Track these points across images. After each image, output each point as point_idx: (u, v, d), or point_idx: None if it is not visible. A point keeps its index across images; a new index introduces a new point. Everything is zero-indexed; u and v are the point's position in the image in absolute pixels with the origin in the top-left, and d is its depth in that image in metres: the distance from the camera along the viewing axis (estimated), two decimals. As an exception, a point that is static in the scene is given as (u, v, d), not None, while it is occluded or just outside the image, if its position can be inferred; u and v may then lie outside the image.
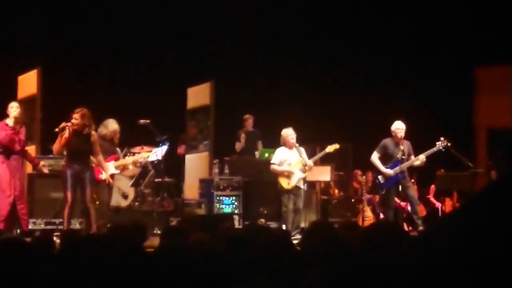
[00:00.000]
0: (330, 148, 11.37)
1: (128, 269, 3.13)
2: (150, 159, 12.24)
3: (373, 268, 2.81)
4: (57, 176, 10.22)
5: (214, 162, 12.73)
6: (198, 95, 13.16)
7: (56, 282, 3.49)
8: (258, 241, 4.06)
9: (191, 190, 12.91)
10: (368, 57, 15.32)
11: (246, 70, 15.29)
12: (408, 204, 11.55)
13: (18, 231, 10.06)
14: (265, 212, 12.16)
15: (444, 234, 1.38)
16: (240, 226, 11.07)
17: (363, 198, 13.07)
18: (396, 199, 11.54)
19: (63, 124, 9.24)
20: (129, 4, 15.01)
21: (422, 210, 12.79)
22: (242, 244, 4.15)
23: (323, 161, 12.71)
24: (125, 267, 3.16)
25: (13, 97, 12.27)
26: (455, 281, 1.30)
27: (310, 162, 10.99)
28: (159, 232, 9.52)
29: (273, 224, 11.18)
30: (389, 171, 10.78)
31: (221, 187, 12.11)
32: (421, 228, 10.47)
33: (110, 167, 10.26)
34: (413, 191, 11.24)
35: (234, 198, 12.12)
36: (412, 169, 11.48)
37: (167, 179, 13.02)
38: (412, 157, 10.86)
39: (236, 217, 11.68)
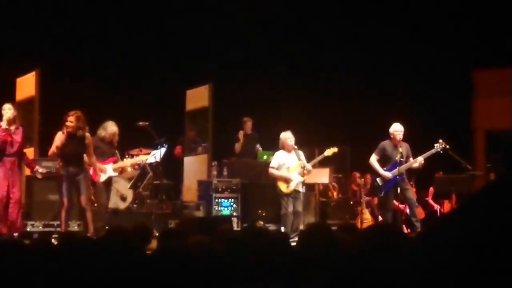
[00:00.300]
0: (329, 152, 11.36)
1: (126, 271, 3.13)
2: (148, 161, 12.24)
3: (371, 270, 2.81)
4: (56, 179, 10.21)
5: (213, 164, 12.74)
6: (197, 98, 13.17)
7: (54, 283, 3.49)
8: (257, 243, 4.06)
9: (189, 192, 12.91)
10: (366, 59, 15.33)
11: (245, 72, 15.30)
12: (407, 206, 11.54)
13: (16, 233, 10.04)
14: (264, 214, 12.16)
15: (442, 235, 1.38)
16: (239, 229, 11.07)
17: (361, 200, 13.08)
18: (395, 201, 11.54)
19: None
20: (128, 6, 15.01)
21: (420, 213, 12.79)
22: (240, 246, 4.14)
23: (322, 163, 12.70)
24: (123, 269, 3.16)
25: (12, 99, 12.28)
26: (454, 282, 1.29)
27: (309, 166, 10.97)
28: (157, 234, 9.51)
29: (271, 227, 11.18)
30: (387, 174, 10.78)
31: (219, 189, 12.11)
32: (419, 230, 10.46)
33: (108, 169, 10.26)
34: (412, 193, 11.23)
35: (232, 200, 12.11)
36: (411, 172, 11.48)
37: (165, 181, 13.02)
38: (411, 159, 10.86)
39: (234, 219, 11.68)
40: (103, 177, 10.14)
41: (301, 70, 15.68)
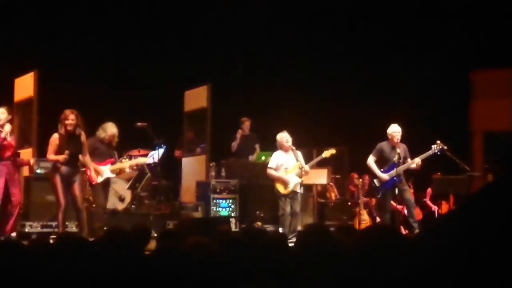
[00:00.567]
0: (327, 153, 11.35)
1: (125, 271, 3.14)
2: (147, 162, 12.24)
3: (369, 271, 2.81)
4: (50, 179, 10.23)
5: (211, 165, 12.74)
6: (195, 98, 13.17)
7: (52, 284, 3.49)
8: (255, 244, 4.07)
9: (188, 193, 12.92)
10: (364, 60, 15.34)
11: (243, 73, 15.31)
12: (405, 207, 11.55)
13: (14, 234, 10.05)
14: (262, 215, 12.16)
15: (441, 236, 1.39)
16: (237, 229, 11.08)
17: (359, 201, 13.09)
18: (393, 203, 11.54)
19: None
20: (126, 8, 15.01)
21: (418, 214, 12.81)
22: (238, 247, 4.15)
23: (320, 164, 12.72)
24: (122, 270, 3.17)
25: (10, 100, 12.29)
26: (452, 283, 1.30)
27: (306, 167, 10.96)
28: (155, 235, 9.51)
29: (269, 227, 11.18)
30: (384, 176, 10.78)
31: (217, 190, 12.11)
32: (417, 231, 10.47)
33: (106, 171, 10.26)
34: (410, 195, 11.24)
35: (231, 201, 12.12)
36: (408, 173, 11.49)
37: (164, 182, 13.02)
38: (409, 160, 10.86)
39: (232, 220, 11.68)
40: (100, 178, 10.13)
41: (300, 71, 15.68)
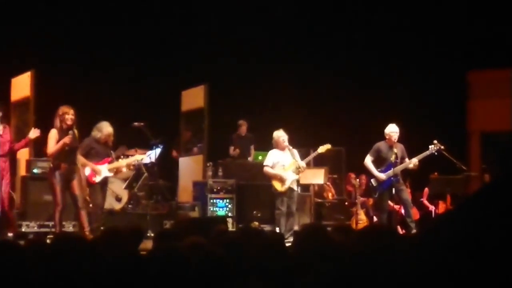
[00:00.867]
0: (322, 149, 11.32)
1: (122, 271, 3.13)
2: (144, 162, 12.23)
3: (366, 271, 2.81)
4: (48, 178, 10.21)
5: (208, 165, 12.74)
6: (193, 98, 13.17)
7: (49, 284, 3.49)
8: (252, 244, 4.06)
9: (185, 193, 12.92)
10: (361, 60, 15.34)
11: (240, 73, 15.31)
12: (402, 207, 11.55)
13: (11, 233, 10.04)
14: (259, 215, 12.16)
15: (438, 236, 1.39)
16: (234, 229, 11.06)
17: (356, 201, 13.09)
18: (390, 202, 11.54)
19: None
20: (123, 7, 15.00)
21: (415, 213, 12.80)
22: (235, 247, 4.15)
23: (317, 164, 12.72)
24: (119, 270, 3.17)
25: (6, 100, 12.27)
26: (449, 283, 1.30)
27: (303, 164, 10.97)
28: (152, 235, 9.51)
29: (266, 227, 11.17)
30: (381, 175, 10.77)
31: (215, 190, 12.11)
32: (414, 231, 10.47)
33: (103, 170, 10.24)
34: (407, 194, 11.23)
35: (228, 201, 12.12)
36: (406, 173, 11.48)
37: (161, 182, 13.01)
38: (406, 160, 10.86)
39: (229, 220, 11.67)
40: (98, 178, 10.12)
41: (297, 70, 15.68)
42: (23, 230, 10.41)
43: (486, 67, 15.12)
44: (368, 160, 10.95)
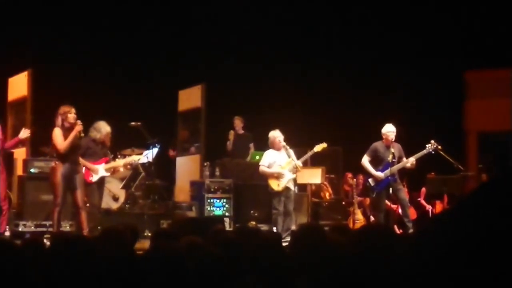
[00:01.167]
0: (318, 148, 11.34)
1: (119, 271, 3.13)
2: (141, 162, 12.22)
3: (363, 271, 2.81)
4: (47, 179, 10.18)
5: (205, 164, 12.73)
6: (190, 98, 13.17)
7: (46, 284, 3.48)
8: (249, 244, 4.06)
9: (182, 192, 12.91)
10: (359, 60, 15.35)
11: (237, 73, 15.30)
12: (399, 207, 11.56)
13: (8, 233, 10.03)
14: (256, 214, 12.16)
15: (435, 235, 1.39)
16: (231, 229, 11.07)
17: (354, 201, 13.10)
18: (387, 202, 11.55)
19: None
20: (120, 7, 14.99)
21: (413, 213, 12.82)
22: (232, 246, 4.15)
23: (314, 163, 12.72)
24: (116, 269, 3.16)
25: (3, 99, 12.27)
26: (447, 282, 1.30)
27: (299, 163, 10.99)
28: (149, 234, 9.50)
29: (264, 227, 11.17)
30: (379, 175, 10.78)
31: (212, 190, 12.11)
32: (411, 231, 10.48)
33: (100, 170, 10.23)
34: (404, 194, 11.24)
35: (225, 200, 12.12)
36: (403, 172, 11.49)
37: (158, 182, 13.00)
38: (403, 159, 10.87)
39: (227, 220, 11.68)
40: (95, 177, 10.11)
41: (294, 70, 15.69)
42: (20, 229, 10.39)
43: (483, 67, 15.13)
44: (365, 160, 10.96)
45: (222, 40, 15.46)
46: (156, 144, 12.21)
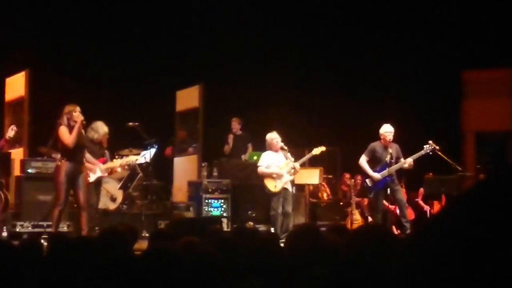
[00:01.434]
0: (317, 151, 11.36)
1: (117, 272, 3.12)
2: (138, 162, 12.21)
3: (361, 272, 2.81)
4: (45, 179, 10.15)
5: (203, 165, 12.73)
6: (187, 98, 13.16)
7: (43, 285, 3.48)
8: (247, 244, 4.06)
9: (179, 193, 12.91)
10: (356, 60, 15.35)
11: (235, 73, 15.30)
12: (397, 207, 11.56)
13: (5, 234, 10.01)
14: (254, 215, 12.16)
15: (432, 236, 1.38)
16: (229, 229, 11.06)
17: (351, 201, 13.09)
18: (385, 202, 11.55)
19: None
20: (118, 7, 14.98)
21: (410, 213, 12.81)
22: (230, 247, 4.14)
23: (312, 164, 12.72)
24: (114, 270, 3.15)
25: (1, 100, 12.26)
26: (444, 283, 1.30)
27: (297, 165, 11.01)
28: (147, 235, 9.50)
29: (261, 227, 11.17)
30: (377, 175, 10.78)
31: (209, 190, 12.10)
32: (409, 231, 10.48)
33: (97, 170, 10.22)
34: (402, 194, 11.25)
35: (222, 201, 12.11)
36: (400, 173, 11.49)
37: (155, 182, 12.99)
38: (401, 160, 10.86)
39: (224, 220, 11.66)
40: (92, 178, 10.10)
41: (292, 70, 15.69)
42: (17, 230, 10.37)
43: (481, 67, 15.14)
44: (363, 160, 10.96)
45: (220, 41, 15.45)
46: (154, 145, 12.20)
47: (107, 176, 10.91)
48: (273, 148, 11.09)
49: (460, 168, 11.68)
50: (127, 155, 12.32)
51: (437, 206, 13.13)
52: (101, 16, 14.83)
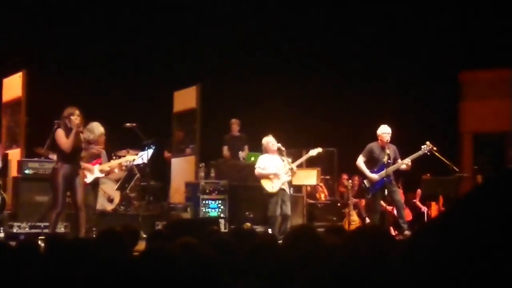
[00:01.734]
0: (313, 152, 11.39)
1: (115, 273, 3.11)
2: (136, 163, 12.20)
3: (358, 273, 2.80)
4: (42, 180, 10.13)
5: (200, 165, 12.72)
6: (185, 99, 13.16)
7: (41, 286, 3.47)
8: (244, 245, 4.05)
9: (177, 193, 12.89)
10: (354, 62, 15.36)
11: (232, 74, 15.30)
12: (394, 208, 11.56)
13: (2, 234, 10.00)
14: (251, 216, 12.15)
15: (431, 239, 1.38)
16: (226, 230, 11.05)
17: (349, 202, 13.09)
18: (383, 203, 11.55)
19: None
20: (115, 8, 14.97)
21: (408, 214, 12.82)
22: (228, 248, 4.14)
23: (310, 165, 12.72)
24: (112, 271, 3.15)
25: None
26: (442, 284, 1.29)
27: (293, 166, 11.02)
28: (144, 236, 9.48)
29: (259, 228, 11.16)
30: (374, 176, 10.78)
31: (207, 191, 12.09)
32: (407, 232, 10.48)
33: (95, 171, 10.21)
34: (399, 195, 11.25)
35: (220, 202, 12.10)
36: (398, 174, 11.49)
37: (153, 183, 12.98)
38: (399, 161, 10.87)
39: (222, 221, 11.66)
40: (90, 178, 10.08)
41: (290, 72, 15.69)
42: (14, 231, 10.35)
43: (478, 68, 15.16)
44: (361, 161, 10.96)
45: (218, 41, 15.45)
46: (152, 145, 12.19)
47: (104, 176, 10.89)
48: (269, 151, 11.12)
49: (457, 169, 11.69)
50: (124, 156, 12.31)
51: (434, 207, 13.13)
52: (98, 17, 14.82)
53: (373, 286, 2.66)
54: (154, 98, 14.63)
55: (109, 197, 11.94)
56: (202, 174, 12.64)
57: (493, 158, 14.89)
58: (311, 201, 13.71)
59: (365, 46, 15.32)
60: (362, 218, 13.37)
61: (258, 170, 11.10)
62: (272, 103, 14.89)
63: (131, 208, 12.35)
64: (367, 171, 10.86)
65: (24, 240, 7.33)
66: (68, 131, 9.05)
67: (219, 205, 12.08)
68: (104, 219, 11.01)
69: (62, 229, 10.26)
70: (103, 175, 10.55)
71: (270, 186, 10.90)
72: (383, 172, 10.69)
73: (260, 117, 14.15)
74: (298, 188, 12.54)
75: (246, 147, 14.01)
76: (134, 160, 12.01)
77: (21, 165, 10.88)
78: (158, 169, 13.59)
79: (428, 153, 10.81)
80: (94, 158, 10.37)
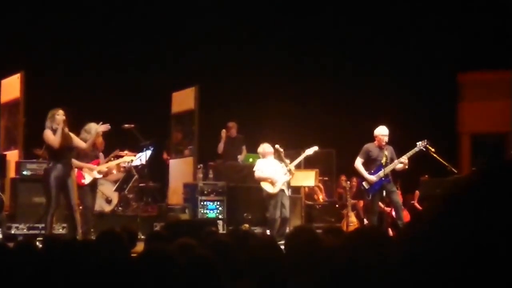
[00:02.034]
0: (310, 151, 11.39)
1: (114, 274, 3.11)
2: (134, 164, 12.19)
3: (356, 273, 2.80)
4: (40, 181, 10.13)
5: (199, 167, 12.72)
6: (183, 100, 13.15)
7: (39, 287, 3.47)
8: (242, 246, 4.05)
9: (175, 195, 12.89)
10: (352, 63, 15.36)
11: (230, 75, 15.30)
12: (393, 210, 11.56)
13: (0, 236, 9.99)
14: (249, 217, 12.15)
15: (428, 237, 1.38)
16: (224, 232, 11.05)
17: (347, 203, 13.09)
18: (381, 204, 11.55)
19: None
20: (114, 9, 14.97)
21: (406, 216, 12.81)
22: (226, 249, 4.13)
23: (308, 166, 12.72)
24: (111, 272, 3.15)
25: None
26: (440, 284, 1.29)
27: (292, 167, 11.04)
28: (143, 237, 9.47)
29: (257, 230, 11.17)
30: (372, 178, 10.77)
31: (205, 192, 12.09)
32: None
33: (93, 172, 10.20)
34: (397, 196, 11.23)
35: (218, 203, 12.09)
36: (396, 175, 11.48)
37: (151, 184, 12.98)
38: (395, 161, 10.85)
39: (220, 222, 11.66)
40: (88, 179, 10.07)
41: (287, 73, 15.69)
42: (12, 232, 10.35)
43: (477, 69, 15.17)
44: (359, 163, 10.94)
45: (216, 42, 15.45)
46: (150, 147, 12.19)
47: (102, 178, 10.88)
48: (266, 155, 11.17)
49: (455, 170, 11.68)
50: (122, 156, 12.30)
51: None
52: (96, 18, 14.81)
53: (371, 287, 2.65)
54: (152, 99, 14.62)
55: (107, 198, 11.94)
56: (200, 175, 12.64)
57: (492, 159, 14.89)
58: (309, 202, 13.70)
59: (365, 46, 15.32)
60: (360, 219, 13.36)
61: (257, 173, 11.10)
62: (270, 105, 14.89)
63: (129, 209, 12.34)
64: (365, 173, 10.85)
65: (22, 241, 7.33)
66: (53, 131, 9.10)
67: (217, 206, 12.08)
68: (102, 220, 11.00)
69: (61, 230, 10.26)
70: (101, 176, 10.54)
71: (270, 187, 10.89)
72: (380, 173, 10.68)
73: (258, 119, 14.15)
74: (296, 189, 12.54)
75: (244, 148, 14.00)
76: (132, 161, 12.01)
77: (19, 166, 10.88)
78: (156, 170, 13.59)
79: (424, 149, 10.79)
80: (92, 159, 10.36)
